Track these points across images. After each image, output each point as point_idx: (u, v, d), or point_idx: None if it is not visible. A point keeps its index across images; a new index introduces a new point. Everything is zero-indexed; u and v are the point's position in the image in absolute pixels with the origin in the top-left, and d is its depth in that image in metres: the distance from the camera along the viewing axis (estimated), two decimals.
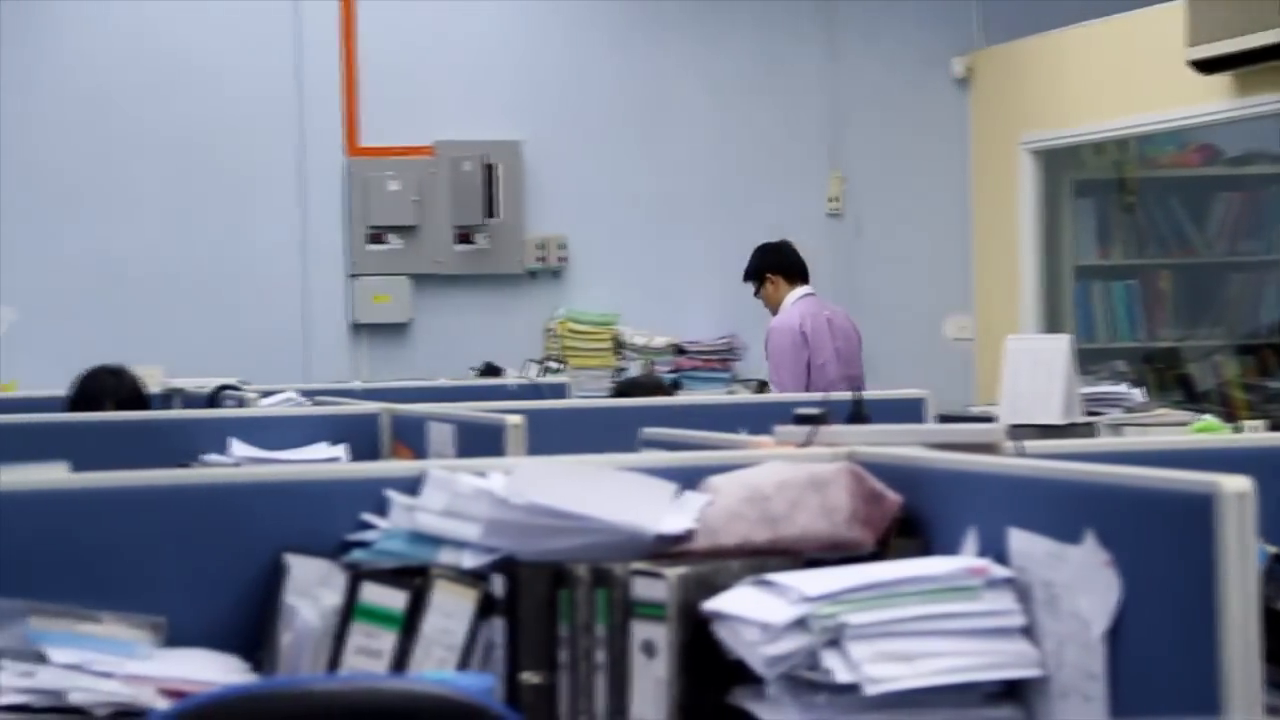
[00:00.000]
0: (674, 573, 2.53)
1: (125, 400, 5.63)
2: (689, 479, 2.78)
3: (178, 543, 2.75)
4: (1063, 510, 2.39)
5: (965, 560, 2.51)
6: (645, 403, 5.60)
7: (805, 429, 2.99)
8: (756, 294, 8.31)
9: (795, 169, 10.30)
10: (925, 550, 2.67)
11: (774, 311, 8.24)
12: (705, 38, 10.17)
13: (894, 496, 2.72)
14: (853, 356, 8.20)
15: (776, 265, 8.26)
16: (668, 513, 2.69)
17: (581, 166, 10.02)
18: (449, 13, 9.86)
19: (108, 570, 2.70)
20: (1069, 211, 10.13)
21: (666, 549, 2.66)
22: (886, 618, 2.41)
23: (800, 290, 8.19)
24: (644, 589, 2.54)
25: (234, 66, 9.52)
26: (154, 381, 7.11)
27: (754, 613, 2.44)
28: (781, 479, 2.73)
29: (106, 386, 5.67)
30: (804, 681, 2.41)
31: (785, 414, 3.11)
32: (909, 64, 10.37)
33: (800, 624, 2.40)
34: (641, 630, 2.54)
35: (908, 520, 2.72)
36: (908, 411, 4.90)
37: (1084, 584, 2.32)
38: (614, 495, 2.68)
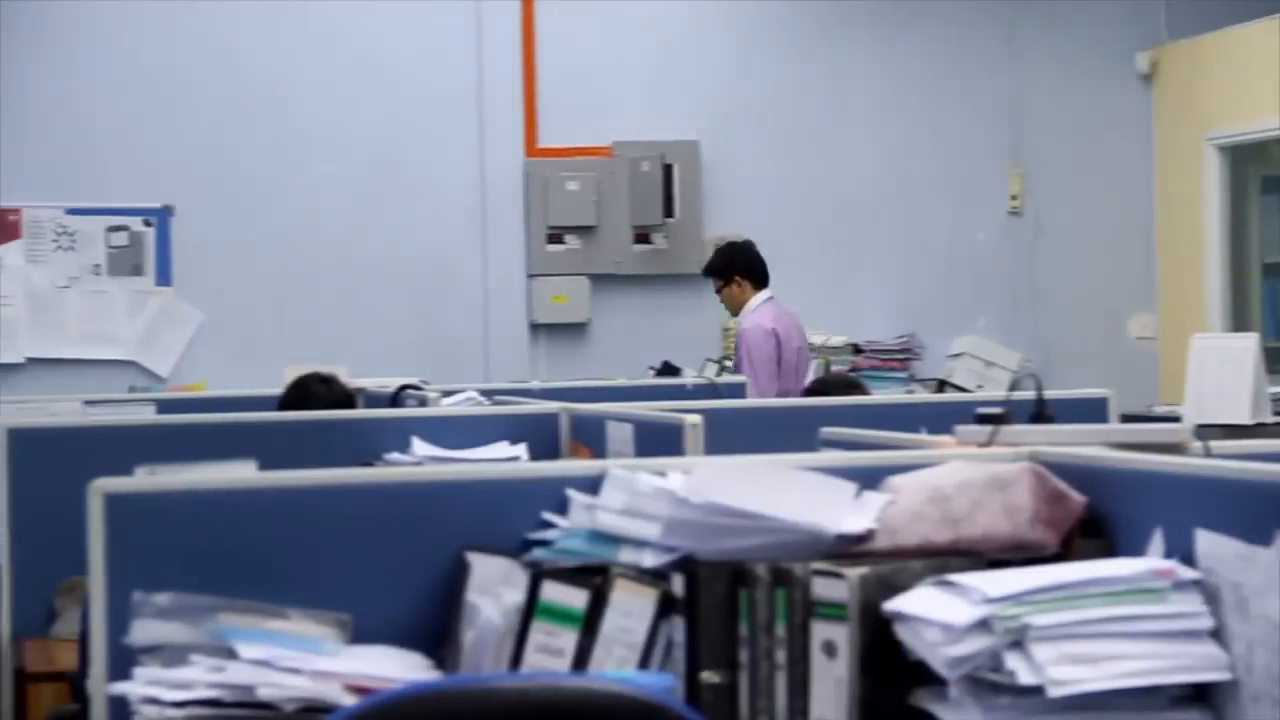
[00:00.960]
0: (855, 573, 2.52)
1: (336, 407, 5.65)
2: (869, 479, 2.77)
3: (362, 541, 2.78)
4: (1252, 511, 2.34)
5: (1151, 562, 2.48)
6: (823, 402, 5.57)
7: (987, 429, 2.96)
8: (718, 292, 8.42)
9: (975, 166, 10.21)
10: (1110, 551, 2.63)
11: (734, 312, 8.47)
12: (884, 36, 10.11)
13: (1077, 497, 2.69)
14: (806, 360, 8.47)
15: (745, 267, 8.40)
16: (848, 513, 2.68)
17: (759, 165, 10.01)
18: (627, 14, 9.89)
19: (294, 567, 2.74)
20: (1255, 208, 9.95)
21: (846, 549, 2.65)
22: (1071, 619, 2.38)
23: (764, 294, 8.37)
24: (824, 589, 2.53)
25: (416, 69, 9.62)
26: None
27: (936, 613, 2.42)
28: (963, 479, 2.71)
29: (316, 394, 5.71)
30: (986, 683, 2.39)
31: (966, 413, 3.08)
32: (1091, 60, 10.24)
33: (983, 625, 2.38)
34: (822, 630, 2.53)
35: (1091, 521, 2.69)
36: (1090, 411, 4.83)
37: (1275, 586, 2.28)
38: (794, 495, 2.67)
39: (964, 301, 10.15)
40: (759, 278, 8.36)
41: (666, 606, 2.63)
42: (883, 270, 10.09)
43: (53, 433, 5.04)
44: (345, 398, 5.81)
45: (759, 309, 8.29)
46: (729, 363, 9.15)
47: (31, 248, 9.09)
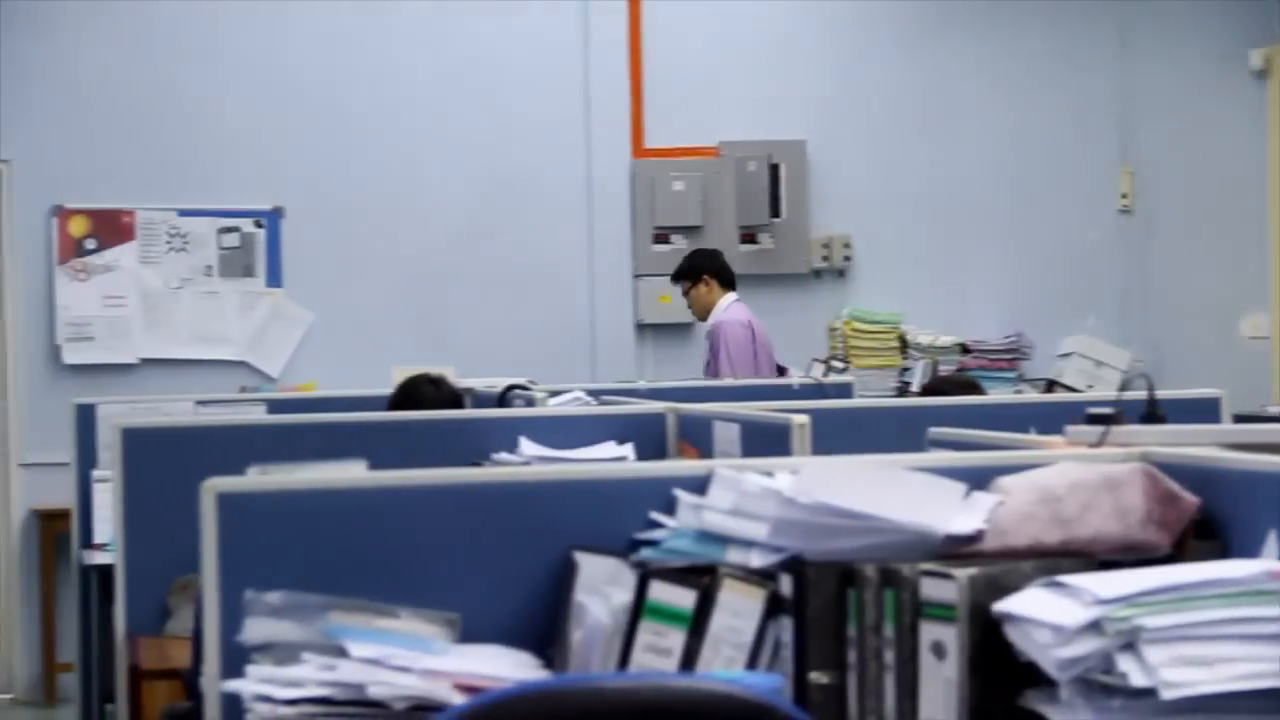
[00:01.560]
0: (964, 574, 2.50)
1: (443, 409, 5.67)
2: (978, 479, 2.75)
3: (471, 540, 2.79)
4: None
5: (1266, 563, 2.45)
6: (930, 402, 5.55)
7: (1098, 429, 2.94)
8: (686, 294, 8.66)
9: (1085, 165, 10.13)
10: (1223, 553, 2.60)
11: (701, 314, 8.70)
12: (991, 34, 10.05)
13: (1190, 498, 2.66)
14: (770, 362, 8.64)
15: (714, 269, 8.65)
16: (957, 513, 2.67)
17: (866, 165, 9.98)
18: (734, 14, 9.88)
19: (404, 567, 2.75)
20: None
21: (955, 550, 2.64)
22: (1184, 621, 2.36)
23: (732, 295, 8.64)
24: (933, 590, 2.52)
25: (524, 70, 9.65)
26: None
27: (1046, 615, 2.41)
28: (1074, 480, 2.69)
29: (425, 395, 5.74)
30: (1098, 685, 2.37)
31: (1077, 413, 3.06)
32: (1203, 57, 10.14)
33: (1094, 627, 2.36)
34: (931, 631, 2.52)
35: (1205, 522, 2.66)
36: (1202, 411, 4.79)
37: None
38: (902, 495, 2.66)
39: (1073, 301, 10.07)
40: (726, 279, 8.62)
41: (774, 607, 2.63)
42: (991, 269, 10.03)
43: (165, 433, 5.09)
44: (453, 398, 5.83)
45: (731, 306, 8.58)
46: (836, 363, 9.13)
47: (145, 249, 9.19)
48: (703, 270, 8.62)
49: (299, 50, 9.41)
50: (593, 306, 9.71)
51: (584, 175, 9.72)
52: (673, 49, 9.82)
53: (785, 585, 2.63)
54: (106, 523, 6.17)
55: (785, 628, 2.62)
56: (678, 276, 8.72)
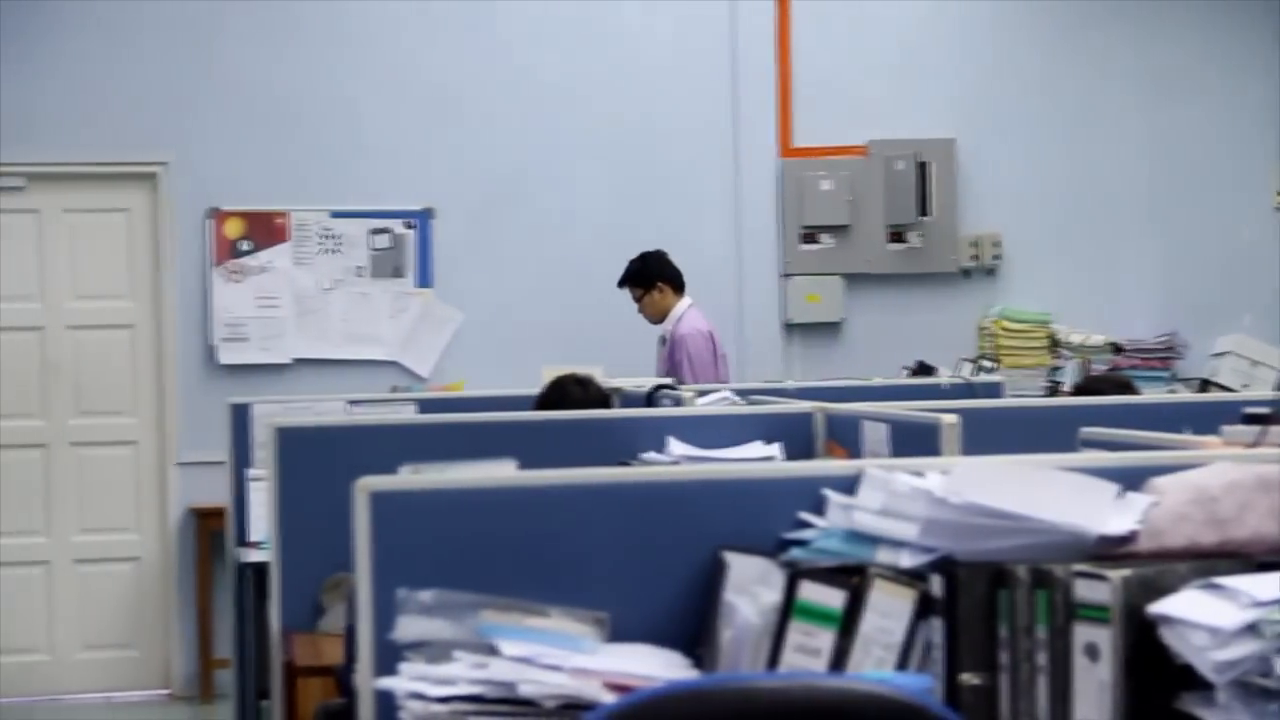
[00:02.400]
0: (1118, 575, 2.48)
1: (591, 409, 5.69)
2: (1131, 480, 2.72)
3: (620, 539, 2.80)
4: None
5: None
6: (1081, 402, 5.49)
7: (1255, 429, 2.90)
8: (639, 299, 8.53)
9: (1239, 162, 9.97)
10: None
11: (655, 318, 8.55)
12: (1143, 30, 9.93)
13: None
14: (727, 367, 8.63)
15: (667, 274, 8.53)
16: (1110, 514, 2.64)
17: (1015, 163, 9.89)
18: (882, 12, 9.83)
19: (553, 566, 2.77)
20: None
21: (1108, 551, 2.61)
22: None
23: (686, 300, 8.54)
24: (1086, 591, 2.49)
25: (671, 70, 9.66)
26: None
27: (1202, 617, 2.38)
28: (1230, 480, 2.65)
29: (573, 395, 5.76)
30: (1255, 688, 2.34)
31: (1232, 413, 3.02)
32: None
33: (1252, 629, 2.33)
34: (1084, 633, 2.49)
35: None
36: None
37: None
38: (1055, 495, 2.64)
39: (1228, 299, 9.92)
40: (679, 283, 8.53)
41: (925, 607, 2.62)
42: (1143, 268, 9.91)
43: (318, 432, 5.15)
44: (601, 398, 5.85)
45: (688, 313, 8.49)
46: (986, 362, 9.05)
47: (298, 250, 9.30)
48: (656, 276, 8.52)
49: (449, 52, 9.48)
50: (740, 306, 9.70)
51: (731, 175, 9.71)
52: (820, 47, 9.78)
53: (936, 586, 2.62)
54: (261, 521, 6.26)
55: (936, 628, 2.61)
56: (630, 282, 8.57)
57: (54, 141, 9.13)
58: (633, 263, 8.62)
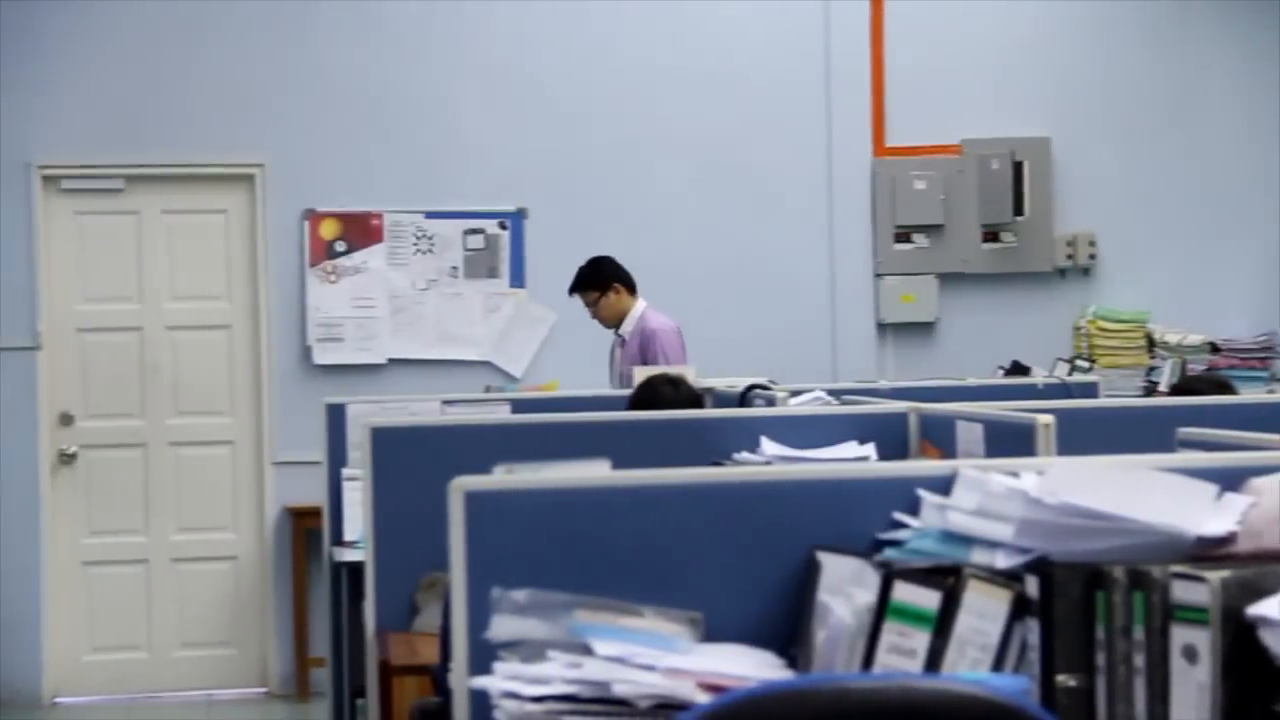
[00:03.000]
0: (1216, 576, 2.45)
1: (682, 409, 5.69)
2: (1229, 480, 2.69)
3: (713, 539, 2.80)
4: None
5: None
6: (1177, 402, 5.44)
7: None
8: (594, 303, 8.41)
9: None
10: None
11: (611, 321, 8.43)
12: (1242, 26, 9.83)
13: None
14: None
15: (621, 276, 8.44)
16: (1208, 515, 2.62)
17: (1111, 162, 9.82)
18: (976, 9, 9.78)
19: (647, 565, 2.77)
20: None
21: (1207, 552, 2.59)
22: None
23: (641, 300, 8.45)
24: (1184, 592, 2.47)
25: (765, 69, 9.66)
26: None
27: None
28: None
29: (664, 395, 5.77)
30: None
31: None
32: None
33: None
34: (1182, 634, 2.47)
35: None
36: None
37: None
38: (1152, 496, 2.62)
39: None
40: (632, 285, 8.45)
41: (1020, 608, 2.60)
42: (1241, 267, 9.81)
43: (413, 432, 5.17)
44: (692, 399, 5.85)
45: (650, 311, 8.42)
46: (1081, 362, 8.99)
47: (392, 251, 9.36)
48: (611, 278, 8.42)
49: (542, 52, 9.51)
50: (833, 306, 9.68)
51: (824, 174, 9.69)
52: (914, 46, 9.75)
53: (1031, 586, 2.60)
54: (356, 520, 6.30)
55: (1032, 629, 2.59)
56: (585, 287, 8.45)
57: (153, 144, 9.23)
58: (585, 268, 8.48)
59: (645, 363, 8.10)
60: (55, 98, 9.14)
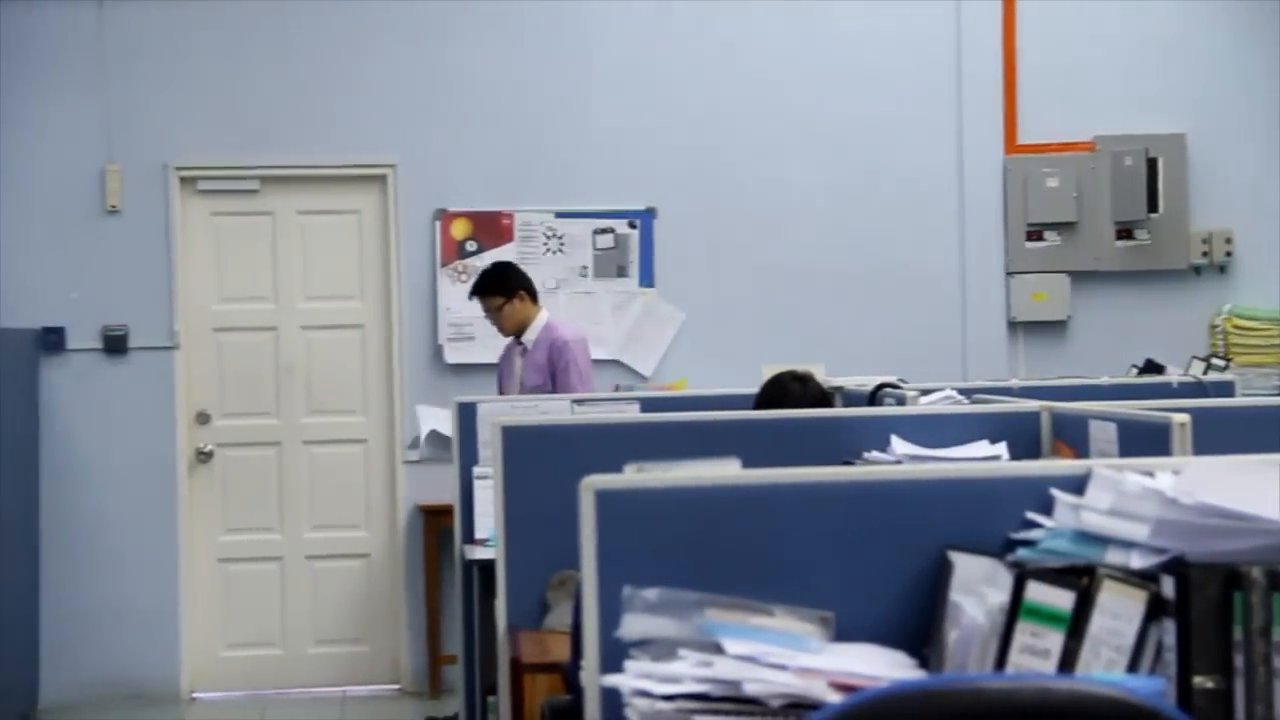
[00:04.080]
0: None
1: (811, 407, 5.67)
2: None
3: (844, 539, 2.79)
4: None
5: None
6: None
7: None
8: (498, 309, 8.21)
9: None
10: None
11: (514, 329, 8.25)
12: None
13: None
14: None
15: (527, 284, 8.28)
16: None
17: (1247, 158, 9.68)
18: (1108, 6, 9.69)
19: (777, 564, 2.77)
20: None
21: None
22: None
23: (544, 309, 8.33)
24: None
25: (896, 67, 9.61)
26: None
27: None
28: None
29: (792, 392, 5.76)
30: None
31: None
32: None
33: None
34: None
35: None
36: None
37: None
38: None
39: None
40: (535, 293, 8.31)
41: (1156, 609, 2.57)
42: None
43: (543, 430, 5.18)
44: (820, 396, 5.83)
45: (555, 322, 8.32)
46: (1217, 361, 8.88)
47: (523, 250, 9.40)
48: (517, 285, 8.24)
49: (671, 51, 9.52)
50: (964, 304, 9.62)
51: (955, 172, 9.63)
52: (1046, 43, 9.67)
53: (1167, 587, 2.57)
54: (487, 518, 6.34)
55: (1168, 630, 2.56)
56: (490, 291, 8.25)
57: (288, 145, 9.33)
58: (490, 272, 8.36)
59: (554, 374, 8.11)
60: (192, 100, 9.26)
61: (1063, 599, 2.60)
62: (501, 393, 8.26)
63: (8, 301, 9.05)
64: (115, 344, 9.20)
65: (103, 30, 9.19)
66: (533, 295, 8.29)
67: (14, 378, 8.50)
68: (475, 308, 9.00)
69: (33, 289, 9.15)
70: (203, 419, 9.35)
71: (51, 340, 9.16)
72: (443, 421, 7.83)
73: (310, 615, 9.42)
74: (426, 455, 8.03)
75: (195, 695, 9.28)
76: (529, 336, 8.23)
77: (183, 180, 9.31)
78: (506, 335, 8.30)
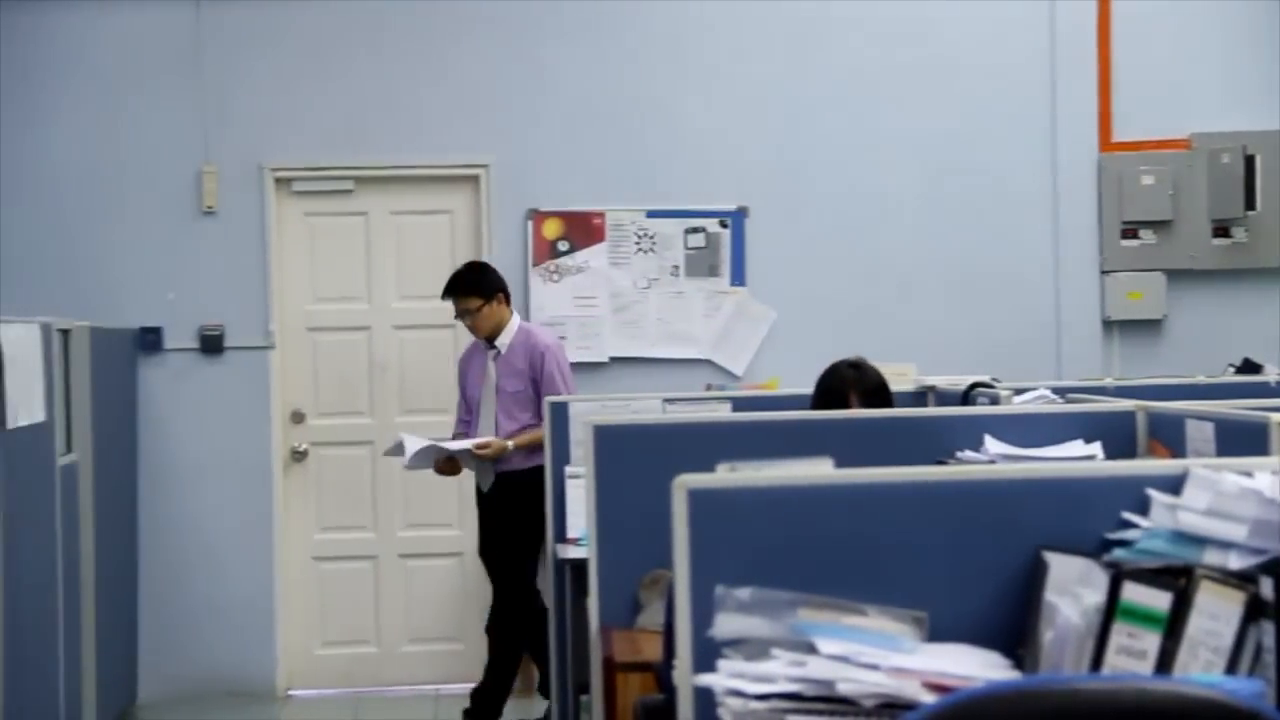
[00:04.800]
0: None
1: (868, 393, 5.64)
2: None
3: (937, 538, 2.78)
4: None
5: None
6: None
7: None
8: (476, 310, 7.93)
9: None
10: None
11: (490, 333, 7.99)
12: None
13: None
14: None
15: (504, 287, 8.06)
16: None
17: None
18: (1204, 3, 9.59)
19: (870, 564, 2.76)
20: None
21: None
22: None
23: (516, 314, 8.12)
24: None
25: (988, 65, 9.56)
26: (907, 379, 7.22)
27: None
28: None
29: (848, 379, 5.72)
30: None
31: None
32: None
33: None
34: None
35: None
36: None
37: None
38: None
39: None
40: (510, 296, 8.12)
41: (1255, 610, 2.55)
42: None
43: (635, 430, 5.18)
44: (877, 383, 5.72)
45: (530, 326, 8.17)
46: None
47: (614, 250, 9.41)
48: (496, 287, 7.99)
49: (761, 50, 9.51)
50: (1057, 303, 9.56)
51: (1049, 171, 9.57)
52: (1141, 39, 9.59)
53: (1266, 588, 2.55)
54: (579, 518, 6.35)
55: (1267, 632, 2.54)
56: (469, 292, 7.96)
57: (381, 145, 9.38)
58: (468, 273, 8.08)
59: (536, 379, 7.95)
60: (287, 101, 9.33)
61: (1160, 600, 2.58)
62: (465, 399, 8.18)
63: (106, 302, 9.15)
64: (211, 344, 9.28)
65: (200, 32, 9.28)
66: (508, 298, 8.10)
67: (113, 378, 8.59)
68: (566, 306, 9.01)
69: (131, 289, 9.24)
70: (297, 418, 9.42)
71: (149, 340, 9.25)
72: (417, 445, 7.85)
73: (404, 613, 9.46)
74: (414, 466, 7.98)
75: (290, 692, 9.35)
76: (503, 340, 8.03)
77: (278, 181, 9.38)
78: (480, 338, 8.08)
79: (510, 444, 7.90)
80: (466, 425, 8.16)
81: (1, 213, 9.21)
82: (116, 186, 9.26)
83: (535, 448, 7.68)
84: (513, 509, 7.97)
